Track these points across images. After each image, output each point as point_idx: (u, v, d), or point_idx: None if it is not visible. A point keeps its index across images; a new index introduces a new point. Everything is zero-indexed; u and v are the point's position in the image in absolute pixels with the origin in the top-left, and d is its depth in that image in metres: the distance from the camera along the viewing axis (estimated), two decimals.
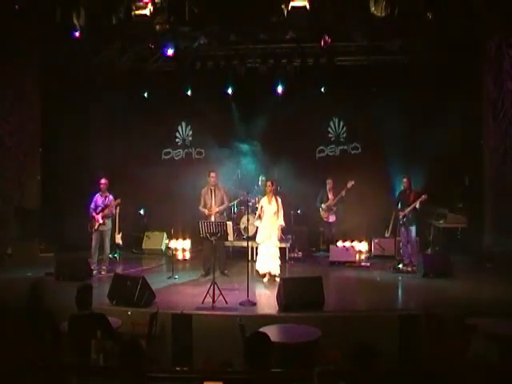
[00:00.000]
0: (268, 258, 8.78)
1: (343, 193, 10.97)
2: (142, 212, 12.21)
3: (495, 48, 10.23)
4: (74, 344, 5.00)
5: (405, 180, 9.88)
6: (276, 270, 8.80)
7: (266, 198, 8.99)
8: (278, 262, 8.87)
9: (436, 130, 11.02)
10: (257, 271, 8.99)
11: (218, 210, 9.30)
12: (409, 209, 9.73)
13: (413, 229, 9.84)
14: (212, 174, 9.45)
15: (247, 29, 9.64)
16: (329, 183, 11.30)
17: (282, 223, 8.93)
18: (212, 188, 9.43)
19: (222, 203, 9.44)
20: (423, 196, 9.61)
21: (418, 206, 9.63)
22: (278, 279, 8.49)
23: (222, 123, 12.15)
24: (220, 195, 9.44)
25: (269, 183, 9.05)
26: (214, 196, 9.40)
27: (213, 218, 9.12)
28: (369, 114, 11.60)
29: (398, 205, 10.00)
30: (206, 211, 9.30)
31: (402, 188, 9.97)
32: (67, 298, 6.24)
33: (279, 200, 8.91)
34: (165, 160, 13.06)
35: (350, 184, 10.82)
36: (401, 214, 9.88)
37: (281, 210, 8.86)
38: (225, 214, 9.89)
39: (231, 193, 11.72)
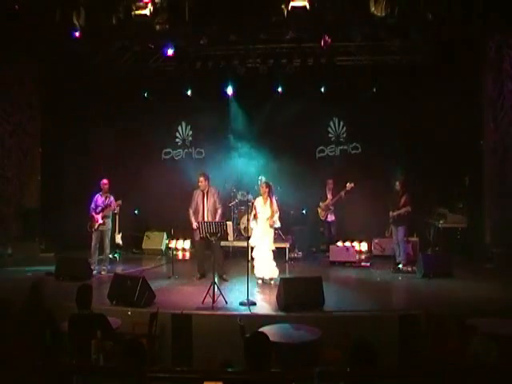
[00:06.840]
0: (262, 263, 8.54)
1: (342, 194, 10.99)
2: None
3: (495, 48, 10.23)
4: (74, 344, 5.01)
5: (397, 183, 9.91)
6: (273, 274, 8.60)
7: (260, 198, 8.75)
8: (274, 264, 8.65)
9: (436, 130, 11.02)
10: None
11: (216, 220, 8.62)
12: (395, 213, 9.82)
13: (400, 229, 9.89)
14: (201, 179, 8.88)
15: (247, 29, 9.62)
16: (329, 183, 11.36)
17: (278, 224, 8.78)
18: (204, 191, 8.97)
19: (215, 208, 8.95)
20: (408, 207, 9.67)
21: (402, 213, 9.72)
22: (277, 281, 8.25)
23: (222, 123, 12.15)
24: (213, 199, 8.95)
25: (263, 185, 8.80)
26: (207, 200, 8.93)
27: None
28: (369, 114, 11.58)
29: (388, 205, 10.01)
30: (194, 222, 8.77)
31: (395, 190, 9.96)
32: (67, 297, 6.27)
33: (274, 204, 8.67)
34: (165, 160, 13.05)
35: (349, 186, 10.84)
36: (390, 215, 9.93)
37: (276, 214, 8.63)
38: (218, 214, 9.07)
39: (231, 193, 11.76)
